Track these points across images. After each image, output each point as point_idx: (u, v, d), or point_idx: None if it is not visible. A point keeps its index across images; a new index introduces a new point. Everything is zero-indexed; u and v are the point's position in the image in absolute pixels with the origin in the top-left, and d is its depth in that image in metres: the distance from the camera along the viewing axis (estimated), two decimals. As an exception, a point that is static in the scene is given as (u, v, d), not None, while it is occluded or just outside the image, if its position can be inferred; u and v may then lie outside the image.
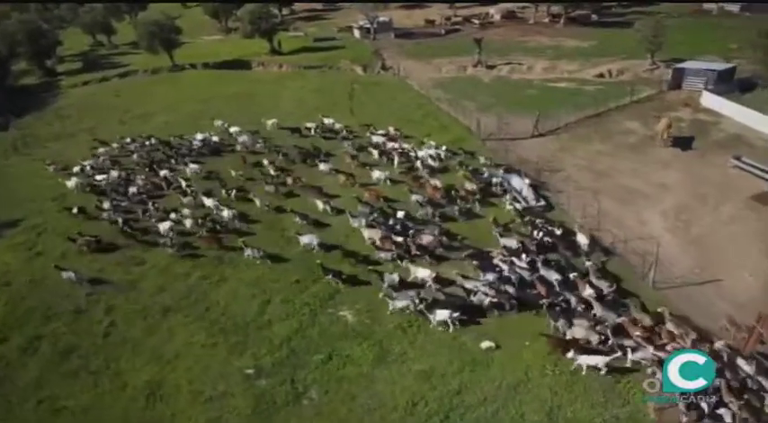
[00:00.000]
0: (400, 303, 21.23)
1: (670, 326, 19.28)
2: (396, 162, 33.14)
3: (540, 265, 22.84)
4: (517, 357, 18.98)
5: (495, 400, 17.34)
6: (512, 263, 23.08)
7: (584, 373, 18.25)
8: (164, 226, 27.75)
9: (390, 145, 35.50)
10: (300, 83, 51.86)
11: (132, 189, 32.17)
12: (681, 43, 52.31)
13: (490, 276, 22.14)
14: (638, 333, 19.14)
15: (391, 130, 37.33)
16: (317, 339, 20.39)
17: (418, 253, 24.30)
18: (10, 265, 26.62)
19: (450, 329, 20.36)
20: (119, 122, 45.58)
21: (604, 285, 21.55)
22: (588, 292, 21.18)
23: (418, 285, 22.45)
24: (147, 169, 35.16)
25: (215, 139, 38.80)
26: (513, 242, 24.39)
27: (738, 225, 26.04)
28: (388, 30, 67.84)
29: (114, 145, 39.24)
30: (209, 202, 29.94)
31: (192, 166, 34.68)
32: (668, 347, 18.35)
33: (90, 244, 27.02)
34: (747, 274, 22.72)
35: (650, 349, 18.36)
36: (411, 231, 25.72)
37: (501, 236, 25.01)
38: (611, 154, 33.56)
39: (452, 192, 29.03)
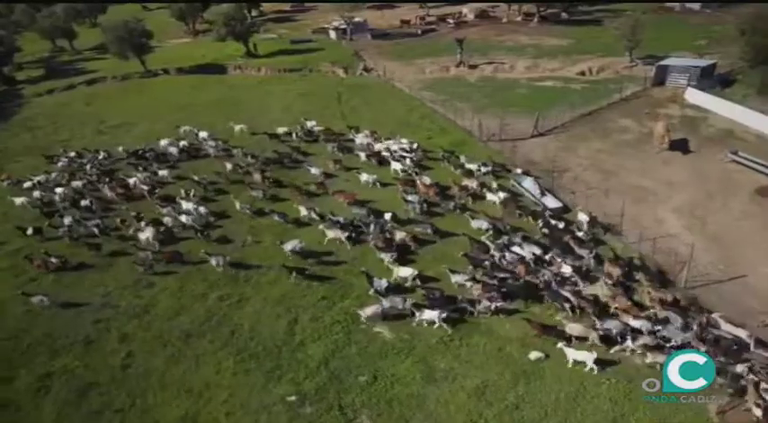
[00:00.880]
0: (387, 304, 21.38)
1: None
2: (398, 165, 32.54)
3: (519, 241, 24.53)
4: (567, 366, 18.63)
5: (556, 413, 16.95)
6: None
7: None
8: (144, 235, 26.76)
9: (378, 146, 35.23)
10: (284, 87, 50.45)
11: (85, 202, 30.95)
12: (653, 40, 53.36)
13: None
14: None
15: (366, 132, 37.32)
16: (357, 359, 19.53)
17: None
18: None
19: (448, 330, 20.51)
20: (97, 133, 43.20)
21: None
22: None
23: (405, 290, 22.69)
24: (106, 181, 33.74)
25: (183, 143, 38.05)
26: (483, 223, 25.88)
27: (750, 220, 26.59)
28: (364, 31, 67.05)
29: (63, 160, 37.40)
30: (187, 204, 29.56)
31: (162, 172, 34.17)
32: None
33: (47, 263, 25.67)
34: (768, 269, 23.17)
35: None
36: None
37: (472, 218, 26.51)
38: (612, 152, 33.85)
39: (451, 188, 29.69)
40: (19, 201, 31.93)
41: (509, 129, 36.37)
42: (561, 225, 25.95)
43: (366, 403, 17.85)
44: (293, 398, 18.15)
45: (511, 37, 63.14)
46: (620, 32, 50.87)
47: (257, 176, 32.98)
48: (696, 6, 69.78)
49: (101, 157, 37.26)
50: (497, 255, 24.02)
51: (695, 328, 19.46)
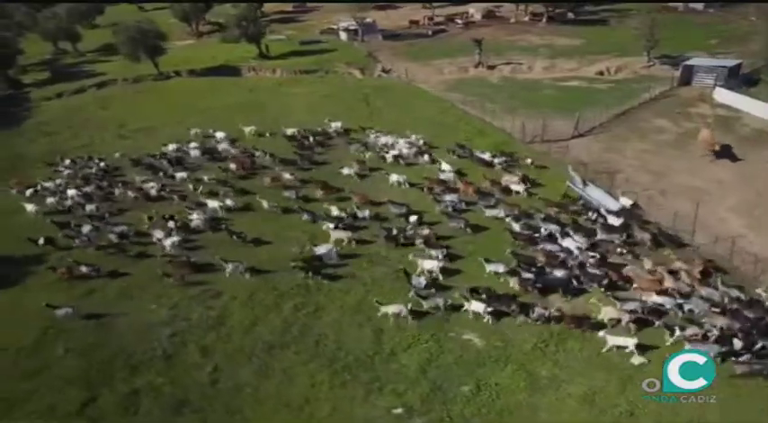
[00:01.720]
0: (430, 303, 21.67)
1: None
2: (447, 166, 32.61)
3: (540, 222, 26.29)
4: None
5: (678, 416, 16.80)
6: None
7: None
8: (169, 241, 26.34)
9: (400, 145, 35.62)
10: (305, 89, 49.73)
11: (90, 207, 30.64)
12: (665, 40, 53.73)
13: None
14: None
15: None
16: (455, 368, 19.21)
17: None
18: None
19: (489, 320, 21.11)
20: (118, 137, 42.05)
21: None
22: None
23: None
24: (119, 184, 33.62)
25: (194, 145, 37.83)
26: (501, 212, 27.57)
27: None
28: (374, 31, 66.54)
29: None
30: (213, 203, 29.90)
31: (180, 174, 33.93)
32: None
33: (72, 271, 25.06)
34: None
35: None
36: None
37: (486, 208, 27.99)
38: (656, 152, 34.05)
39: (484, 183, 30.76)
40: (30, 208, 31.21)
41: (547, 130, 36.30)
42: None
43: (476, 414, 17.54)
44: (399, 410, 17.75)
45: (522, 37, 63.21)
46: (638, 32, 51.20)
47: (287, 176, 32.85)
48: (699, 6, 70.75)
49: (102, 164, 36.49)
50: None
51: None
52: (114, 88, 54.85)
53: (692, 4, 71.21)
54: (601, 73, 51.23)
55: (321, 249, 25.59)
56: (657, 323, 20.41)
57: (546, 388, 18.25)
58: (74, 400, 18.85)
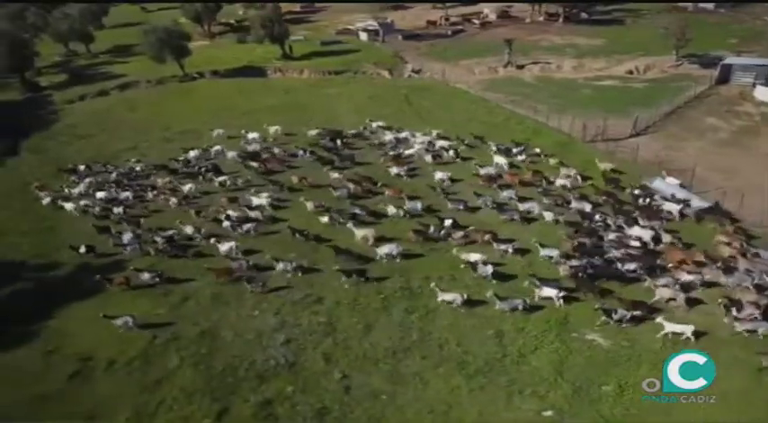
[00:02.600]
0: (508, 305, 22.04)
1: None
2: (502, 159, 33.45)
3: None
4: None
5: None
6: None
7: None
8: (225, 246, 26.08)
9: (440, 144, 35.90)
10: (341, 90, 49.32)
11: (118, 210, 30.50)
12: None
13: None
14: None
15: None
16: (590, 369, 19.18)
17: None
18: (160, 315, 23.02)
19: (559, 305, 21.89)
20: (164, 140, 41.10)
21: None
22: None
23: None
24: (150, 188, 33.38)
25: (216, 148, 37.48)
26: (533, 205, 28.74)
27: None
28: (392, 31, 66.37)
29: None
30: (258, 200, 29.93)
31: (221, 177, 33.59)
32: None
33: (129, 280, 24.69)
34: None
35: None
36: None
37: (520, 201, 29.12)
38: (717, 151, 34.50)
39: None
40: (69, 206, 31.17)
41: (601, 129, 36.58)
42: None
43: (625, 414, 17.54)
44: (550, 413, 17.66)
45: (543, 37, 63.60)
46: (667, 32, 51.89)
47: (335, 175, 32.78)
48: (710, 6, 72.06)
49: (114, 171, 35.91)
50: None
51: None
52: (139, 90, 53.81)
53: (701, 4, 72.61)
54: (630, 72, 51.85)
55: (384, 249, 25.56)
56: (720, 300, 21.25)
57: (687, 387, 18.28)
58: (207, 411, 18.37)
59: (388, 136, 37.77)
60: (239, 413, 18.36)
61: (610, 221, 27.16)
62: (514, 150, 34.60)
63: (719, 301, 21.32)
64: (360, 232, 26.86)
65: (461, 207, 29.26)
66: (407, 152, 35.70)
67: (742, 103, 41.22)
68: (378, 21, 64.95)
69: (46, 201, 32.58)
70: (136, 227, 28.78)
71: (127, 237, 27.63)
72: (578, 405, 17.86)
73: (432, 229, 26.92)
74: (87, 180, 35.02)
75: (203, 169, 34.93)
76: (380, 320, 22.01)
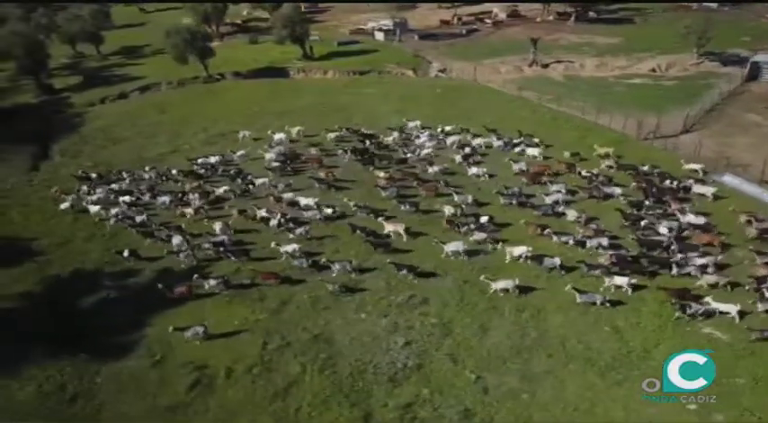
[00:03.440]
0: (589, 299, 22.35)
1: None
2: (536, 150, 34.54)
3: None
4: None
5: None
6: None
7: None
8: (290, 248, 25.77)
9: (477, 141, 36.34)
10: (374, 90, 48.94)
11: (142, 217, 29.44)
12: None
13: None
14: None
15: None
16: (718, 361, 19.35)
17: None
18: (259, 321, 22.54)
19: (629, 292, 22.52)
20: (205, 143, 40.21)
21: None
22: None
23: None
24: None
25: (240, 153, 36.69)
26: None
27: None
28: (406, 31, 66.37)
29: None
30: (306, 200, 29.73)
31: (261, 179, 32.98)
32: None
33: (191, 289, 24.09)
34: None
35: None
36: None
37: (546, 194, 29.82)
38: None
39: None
40: (94, 209, 30.43)
41: (648, 126, 37.23)
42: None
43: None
44: (694, 406, 17.81)
45: (560, 36, 64.35)
46: (689, 30, 52.99)
47: (383, 174, 32.86)
48: (714, 5, 73.91)
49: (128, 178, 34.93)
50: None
51: None
52: (162, 92, 52.69)
53: (705, 3, 74.40)
54: (653, 70, 52.86)
55: (451, 246, 25.66)
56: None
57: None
58: (350, 417, 18.09)
59: (422, 137, 37.69)
60: (382, 417, 18.10)
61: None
62: (515, 141, 35.83)
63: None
64: (389, 226, 27.37)
65: (514, 201, 29.47)
66: (425, 151, 35.79)
67: (776, 100, 42.40)
68: (395, 20, 64.77)
69: (65, 205, 31.36)
70: (179, 231, 27.98)
71: (176, 240, 26.89)
72: (719, 398, 18.06)
73: (466, 227, 27.02)
74: (114, 186, 33.77)
75: (232, 172, 34.46)
76: (494, 320, 21.95)
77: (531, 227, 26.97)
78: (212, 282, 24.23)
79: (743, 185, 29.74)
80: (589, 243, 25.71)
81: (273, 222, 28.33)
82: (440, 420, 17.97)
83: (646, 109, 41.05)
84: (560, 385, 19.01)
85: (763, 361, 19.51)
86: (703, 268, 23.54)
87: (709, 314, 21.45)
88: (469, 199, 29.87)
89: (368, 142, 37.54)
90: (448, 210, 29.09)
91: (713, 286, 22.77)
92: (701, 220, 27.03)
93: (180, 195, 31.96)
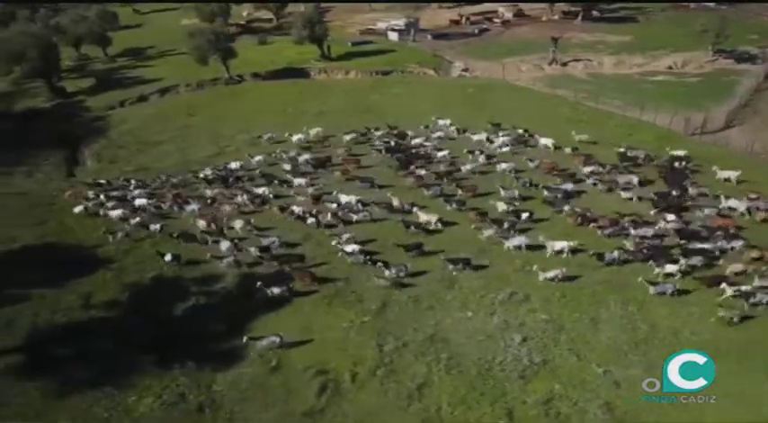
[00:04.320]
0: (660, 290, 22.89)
1: None
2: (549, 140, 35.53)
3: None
4: None
5: None
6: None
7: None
8: (350, 248, 25.60)
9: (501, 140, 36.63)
10: (403, 90, 48.78)
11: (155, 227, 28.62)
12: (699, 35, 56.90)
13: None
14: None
15: None
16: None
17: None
18: (365, 323, 22.21)
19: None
20: (251, 145, 39.43)
21: None
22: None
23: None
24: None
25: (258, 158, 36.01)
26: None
27: None
28: (418, 31, 66.44)
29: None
30: (346, 197, 29.97)
31: (299, 180, 33.02)
32: None
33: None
34: None
35: None
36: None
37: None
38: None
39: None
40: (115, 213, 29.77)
41: (693, 122, 38.16)
42: None
43: None
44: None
45: (572, 35, 64.87)
46: (705, 28, 54.38)
47: (422, 172, 33.01)
48: (711, 4, 75.97)
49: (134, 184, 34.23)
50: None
51: None
52: (187, 94, 51.66)
53: (703, 3, 76.34)
54: (670, 67, 54.08)
55: (514, 241, 26.04)
56: None
57: None
58: (494, 415, 17.97)
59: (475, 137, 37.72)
60: (525, 414, 18.03)
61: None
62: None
63: None
64: (423, 216, 28.22)
65: (560, 195, 30.04)
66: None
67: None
68: (410, 20, 64.81)
69: (78, 209, 30.65)
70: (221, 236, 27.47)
71: (224, 246, 26.36)
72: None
73: (505, 224, 27.36)
74: (138, 191, 32.80)
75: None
76: (602, 314, 22.10)
77: (571, 217, 27.69)
78: (276, 289, 23.74)
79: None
80: (634, 232, 26.31)
81: (312, 220, 28.38)
82: (583, 415, 17.99)
83: (679, 105, 41.91)
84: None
85: None
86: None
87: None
88: (516, 193, 30.23)
89: (394, 142, 37.37)
90: (500, 206, 29.30)
91: (740, 273, 23.36)
92: (742, 206, 27.84)
93: (209, 202, 31.25)
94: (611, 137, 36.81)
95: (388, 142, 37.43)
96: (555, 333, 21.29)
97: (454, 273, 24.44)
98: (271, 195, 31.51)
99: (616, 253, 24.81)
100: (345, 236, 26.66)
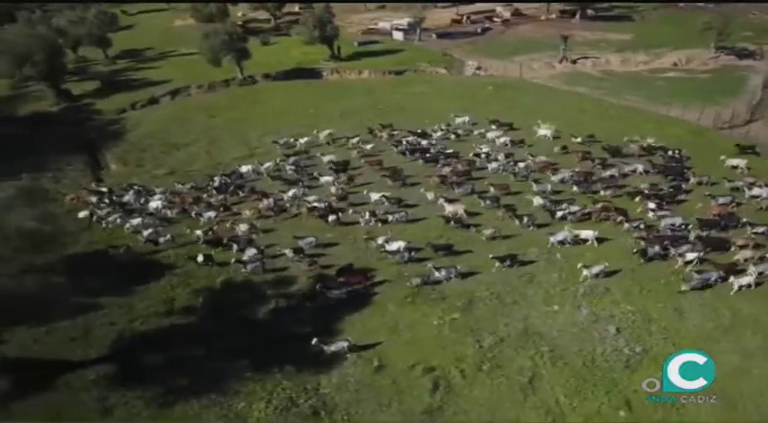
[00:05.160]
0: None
1: None
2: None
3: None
4: None
5: None
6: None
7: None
8: (396, 246, 25.81)
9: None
10: (424, 88, 48.92)
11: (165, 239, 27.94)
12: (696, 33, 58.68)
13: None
14: None
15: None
16: None
17: None
18: (455, 320, 22.23)
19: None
20: (286, 147, 38.84)
21: None
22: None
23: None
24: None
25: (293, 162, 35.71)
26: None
27: None
28: (428, 31, 66.60)
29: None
30: (376, 195, 30.37)
31: (324, 178, 33.10)
32: None
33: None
34: None
35: None
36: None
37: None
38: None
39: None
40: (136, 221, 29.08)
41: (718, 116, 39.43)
42: None
43: None
44: None
45: (574, 33, 65.76)
46: (707, 26, 56.10)
47: (447, 169, 33.36)
48: (700, 3, 78.29)
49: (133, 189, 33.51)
50: None
51: None
52: (201, 96, 50.61)
53: (692, 2, 78.56)
54: (675, 64, 55.68)
55: (559, 236, 26.52)
56: None
57: None
58: (612, 404, 18.25)
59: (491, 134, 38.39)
60: (640, 402, 18.30)
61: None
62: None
63: None
64: (449, 207, 28.90)
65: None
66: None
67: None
68: (415, 19, 64.97)
69: (83, 214, 30.03)
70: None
71: (250, 252, 25.97)
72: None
73: (525, 219, 28.02)
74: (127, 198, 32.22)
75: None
76: (684, 304, 22.59)
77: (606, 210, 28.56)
78: (335, 291, 23.63)
79: None
80: (663, 222, 27.26)
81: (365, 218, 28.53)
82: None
83: (696, 100, 43.24)
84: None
85: None
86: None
87: None
88: (549, 187, 30.71)
89: (414, 140, 37.52)
90: (536, 200, 29.69)
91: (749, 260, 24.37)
92: (765, 192, 28.97)
93: (221, 209, 30.65)
94: (644, 131, 37.55)
95: (413, 143, 37.30)
96: (645, 323, 21.69)
97: (502, 269, 24.62)
98: (301, 196, 31.14)
99: (657, 248, 25.28)
100: (383, 237, 26.50)
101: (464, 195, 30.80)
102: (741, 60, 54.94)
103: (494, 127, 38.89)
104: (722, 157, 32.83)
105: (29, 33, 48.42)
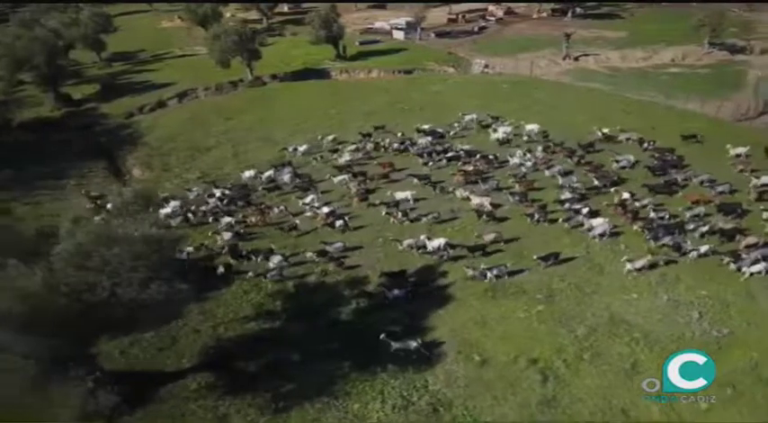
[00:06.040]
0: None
1: None
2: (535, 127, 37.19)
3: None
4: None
5: None
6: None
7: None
8: (436, 243, 25.88)
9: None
10: (441, 87, 49.07)
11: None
12: (683, 30, 60.92)
13: None
14: None
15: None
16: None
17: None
18: (541, 312, 22.57)
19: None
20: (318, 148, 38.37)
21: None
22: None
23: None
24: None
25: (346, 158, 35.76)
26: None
27: None
28: (425, 30, 66.98)
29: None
30: (402, 194, 30.42)
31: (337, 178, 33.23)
32: None
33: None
34: None
35: None
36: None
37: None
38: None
39: None
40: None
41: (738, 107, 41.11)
42: None
43: None
44: None
45: (571, 31, 67.51)
46: (702, 23, 58.17)
47: (469, 167, 33.54)
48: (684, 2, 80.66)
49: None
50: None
51: None
52: (212, 98, 49.68)
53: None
54: (672, 60, 57.55)
55: (598, 230, 27.05)
56: None
57: None
58: (718, 387, 18.63)
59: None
60: (740, 381, 18.86)
61: None
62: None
63: None
64: (475, 200, 29.59)
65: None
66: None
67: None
68: (417, 18, 65.26)
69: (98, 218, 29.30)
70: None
71: (275, 260, 25.30)
72: None
73: (536, 215, 28.57)
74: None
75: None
76: (753, 288, 23.41)
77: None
78: (396, 291, 23.64)
79: None
80: (689, 214, 27.93)
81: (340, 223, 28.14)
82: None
83: (701, 94, 44.87)
84: None
85: None
86: None
87: None
88: (575, 179, 31.36)
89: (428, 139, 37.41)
90: (564, 194, 30.26)
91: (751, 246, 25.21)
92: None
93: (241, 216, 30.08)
94: (666, 125, 38.59)
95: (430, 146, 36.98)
96: (721, 308, 22.37)
97: (545, 268, 24.80)
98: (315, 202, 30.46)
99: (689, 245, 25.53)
100: (411, 238, 26.45)
101: (490, 192, 30.92)
102: (734, 55, 57.17)
103: (505, 123, 39.11)
104: (727, 146, 34.03)
105: (28, 35, 46.34)
